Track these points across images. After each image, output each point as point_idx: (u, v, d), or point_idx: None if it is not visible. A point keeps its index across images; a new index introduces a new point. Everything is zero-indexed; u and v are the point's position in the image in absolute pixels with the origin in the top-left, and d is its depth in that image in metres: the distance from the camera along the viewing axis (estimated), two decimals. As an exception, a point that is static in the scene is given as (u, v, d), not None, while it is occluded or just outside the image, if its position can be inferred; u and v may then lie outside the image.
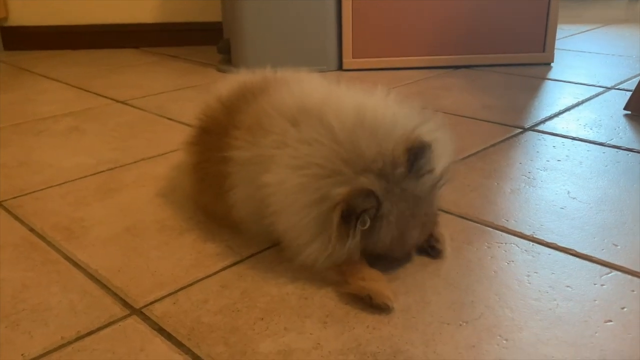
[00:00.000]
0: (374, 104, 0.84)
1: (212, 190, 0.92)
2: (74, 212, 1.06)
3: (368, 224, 0.76)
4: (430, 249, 0.87)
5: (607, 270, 0.84)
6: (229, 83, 1.02)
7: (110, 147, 1.39)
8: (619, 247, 0.90)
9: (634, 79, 1.85)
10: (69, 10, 2.56)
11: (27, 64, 2.35)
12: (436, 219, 0.87)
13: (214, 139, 0.92)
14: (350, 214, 0.75)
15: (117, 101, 1.79)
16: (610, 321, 0.73)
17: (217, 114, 0.95)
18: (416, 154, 0.76)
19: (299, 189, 0.77)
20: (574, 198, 1.06)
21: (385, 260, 0.84)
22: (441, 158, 0.81)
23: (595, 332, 0.71)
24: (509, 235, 0.94)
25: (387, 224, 0.77)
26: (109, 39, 2.61)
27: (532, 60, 2.10)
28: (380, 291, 0.77)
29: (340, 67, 2.11)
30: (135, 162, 1.29)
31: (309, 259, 0.79)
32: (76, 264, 0.89)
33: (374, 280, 0.79)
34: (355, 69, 2.09)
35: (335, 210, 0.75)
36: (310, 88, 0.90)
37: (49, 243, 0.95)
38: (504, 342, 0.70)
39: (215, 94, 1.00)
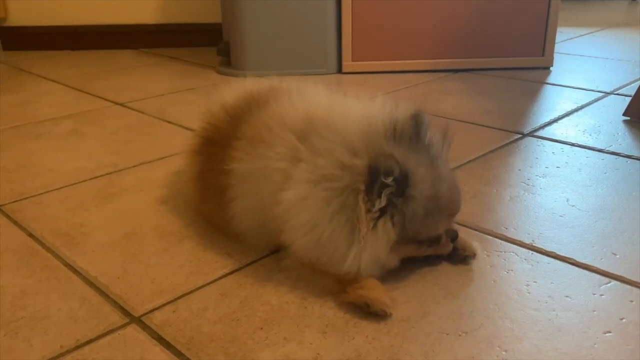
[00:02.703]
0: (378, 112, 0.84)
1: (214, 201, 0.92)
2: (74, 217, 1.06)
3: (391, 182, 0.75)
4: (463, 259, 0.88)
5: (606, 280, 0.84)
6: (234, 90, 1.02)
7: (110, 150, 1.39)
8: (618, 256, 0.90)
9: (633, 84, 1.86)
10: (68, 10, 2.56)
11: (26, 65, 2.34)
12: (460, 198, 0.86)
13: (217, 149, 0.92)
14: (374, 181, 0.75)
15: (117, 103, 1.79)
16: (610, 332, 0.73)
17: (221, 123, 0.95)
18: (418, 119, 0.80)
19: (326, 202, 0.77)
20: (573, 206, 1.06)
21: (413, 257, 0.85)
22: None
23: (595, 344, 0.71)
24: (508, 244, 0.94)
25: (419, 182, 0.77)
26: (108, 40, 2.61)
27: (531, 64, 2.10)
28: (378, 298, 0.77)
29: (339, 70, 2.10)
30: (134, 166, 1.29)
31: (354, 266, 0.77)
32: (76, 271, 0.89)
33: (371, 289, 0.79)
34: (355, 72, 2.09)
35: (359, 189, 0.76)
36: (314, 100, 0.90)
37: (48, 249, 0.95)
38: (504, 353, 0.70)
39: (220, 100, 1.00)
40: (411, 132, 0.79)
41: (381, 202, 0.76)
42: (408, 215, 0.77)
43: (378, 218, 0.76)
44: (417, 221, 0.78)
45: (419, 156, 0.79)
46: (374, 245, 0.77)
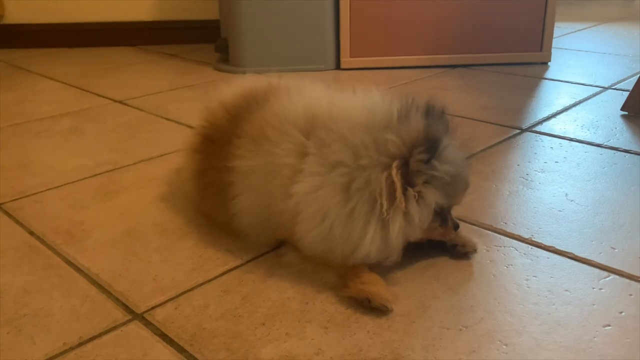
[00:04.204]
0: (380, 103, 0.84)
1: (215, 198, 0.92)
2: (74, 215, 1.06)
3: (440, 151, 0.77)
4: (464, 255, 0.89)
5: (605, 274, 0.85)
6: (233, 88, 1.02)
7: (109, 148, 1.39)
8: (616, 250, 0.90)
9: (631, 79, 1.86)
10: (66, 8, 2.56)
11: (24, 63, 2.34)
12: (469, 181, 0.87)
13: (217, 148, 0.92)
14: (433, 147, 0.77)
15: (115, 101, 1.79)
16: (609, 326, 0.74)
17: (221, 121, 0.95)
18: (427, 102, 0.83)
19: (341, 187, 0.77)
20: (571, 200, 1.06)
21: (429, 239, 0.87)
22: None
23: (594, 337, 0.72)
24: (508, 239, 0.94)
25: (447, 148, 0.79)
26: (106, 37, 2.61)
27: (529, 60, 2.10)
28: (379, 293, 0.78)
29: (337, 67, 2.11)
30: (134, 163, 1.30)
31: (374, 248, 0.77)
32: (77, 268, 0.89)
33: (372, 284, 0.79)
34: (353, 68, 2.09)
35: (395, 163, 0.76)
36: (314, 96, 0.90)
37: (49, 247, 0.96)
38: (504, 347, 0.70)
39: (219, 98, 1.00)
40: (426, 112, 0.81)
41: (436, 168, 0.77)
42: (438, 180, 0.79)
43: (423, 187, 0.78)
44: (443, 187, 0.80)
45: (439, 129, 0.81)
46: (419, 213, 0.77)
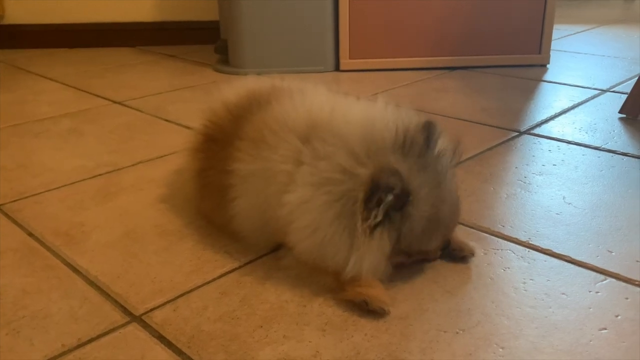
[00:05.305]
0: (379, 115, 0.83)
1: (214, 199, 0.92)
2: (74, 217, 1.06)
3: (390, 199, 0.74)
4: (462, 259, 0.89)
5: (602, 277, 0.85)
6: (236, 88, 1.02)
7: (109, 149, 1.40)
8: (613, 253, 0.91)
9: (629, 82, 1.86)
10: (66, 8, 2.56)
11: (23, 63, 2.34)
12: (458, 217, 0.86)
13: (218, 148, 0.92)
14: (373, 194, 0.74)
15: (115, 102, 1.79)
16: (605, 329, 0.74)
17: (223, 122, 0.95)
18: (430, 129, 0.79)
19: (327, 206, 0.77)
20: (569, 203, 1.07)
21: (410, 264, 0.85)
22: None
23: (590, 340, 0.72)
24: (505, 242, 0.95)
25: (420, 202, 0.76)
26: (105, 38, 2.61)
27: (528, 62, 2.11)
28: (376, 296, 0.78)
29: (337, 68, 2.11)
30: (133, 164, 1.30)
31: (355, 270, 0.77)
32: (76, 270, 0.90)
33: (370, 286, 0.79)
34: (352, 69, 2.10)
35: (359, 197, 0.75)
36: (316, 102, 0.90)
37: (48, 248, 0.96)
38: (500, 350, 0.71)
39: (222, 99, 1.00)
40: (421, 143, 0.78)
41: (377, 216, 0.75)
42: (404, 231, 0.77)
43: (375, 228, 0.76)
44: (412, 237, 0.78)
45: (426, 174, 0.77)
46: (371, 254, 0.77)
